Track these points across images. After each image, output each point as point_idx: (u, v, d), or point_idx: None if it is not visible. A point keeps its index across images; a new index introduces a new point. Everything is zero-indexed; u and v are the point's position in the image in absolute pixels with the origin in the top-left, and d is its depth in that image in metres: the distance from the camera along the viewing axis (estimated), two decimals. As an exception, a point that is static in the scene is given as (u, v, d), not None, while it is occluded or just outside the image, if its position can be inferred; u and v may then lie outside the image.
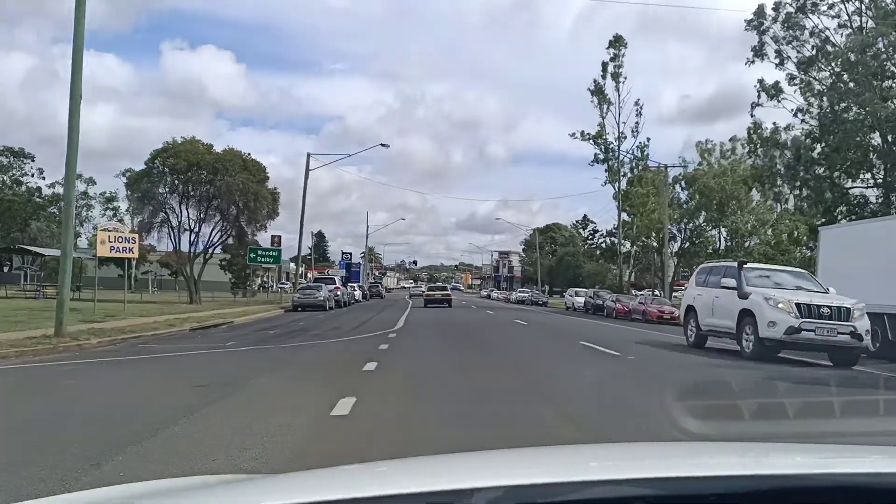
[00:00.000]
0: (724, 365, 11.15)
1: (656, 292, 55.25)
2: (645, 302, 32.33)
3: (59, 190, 57.67)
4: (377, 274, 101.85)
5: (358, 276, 71.08)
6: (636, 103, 52.76)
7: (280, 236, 36.05)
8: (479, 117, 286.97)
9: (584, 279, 66.89)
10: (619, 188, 53.49)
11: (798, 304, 11.32)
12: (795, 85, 39.60)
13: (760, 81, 40.59)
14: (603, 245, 64.72)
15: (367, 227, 72.89)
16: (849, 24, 35.54)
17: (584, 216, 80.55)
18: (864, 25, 34.08)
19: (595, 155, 53.57)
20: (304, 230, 36.00)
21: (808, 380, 9.53)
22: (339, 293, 33.33)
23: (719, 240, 54.97)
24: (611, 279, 63.97)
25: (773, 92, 40.37)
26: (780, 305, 11.39)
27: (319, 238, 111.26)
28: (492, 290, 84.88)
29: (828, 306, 11.35)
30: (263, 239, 39.94)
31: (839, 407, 6.25)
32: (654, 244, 56.67)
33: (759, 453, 1.62)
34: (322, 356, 11.84)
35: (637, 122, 52.54)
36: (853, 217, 32.94)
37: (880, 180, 35.43)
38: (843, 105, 34.97)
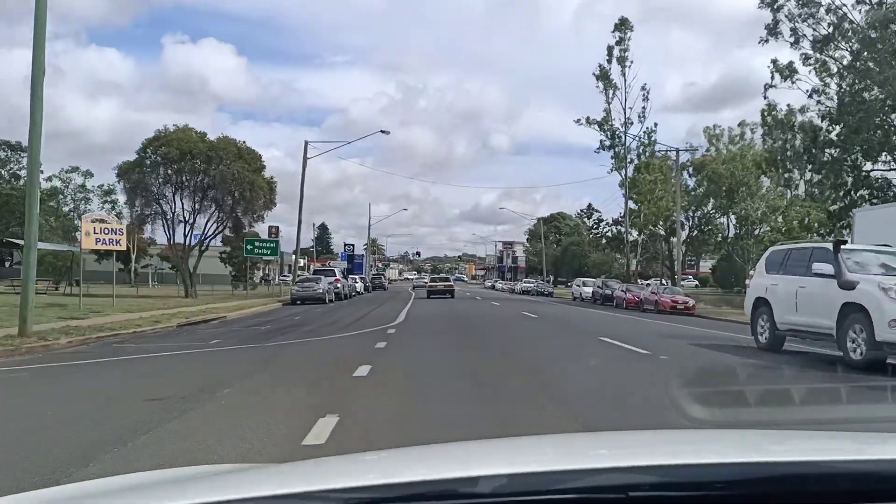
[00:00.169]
0: (822, 376, 8.89)
1: (664, 281, 53.76)
2: (657, 292, 30.82)
3: (56, 182, 56.25)
4: (380, 266, 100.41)
5: (361, 267, 69.71)
6: (643, 88, 51.23)
7: (278, 227, 34.63)
8: (482, 107, 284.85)
9: (590, 269, 65.34)
10: (625, 175, 51.94)
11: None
12: (810, 65, 37.90)
13: (774, 62, 38.90)
14: (609, 234, 63.06)
15: (370, 217, 71.41)
16: (868, 0, 33.75)
17: (589, 205, 78.93)
18: (885, 0, 32.28)
19: (601, 141, 52.03)
20: (306, 222, 34.61)
21: None
22: (339, 285, 31.88)
23: (728, 227, 53.32)
24: (617, 268, 62.39)
25: (788, 72, 38.69)
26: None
27: (323, 230, 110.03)
28: (496, 281, 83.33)
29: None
30: (262, 230, 38.51)
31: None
32: (662, 233, 55.14)
33: (764, 440, 1.60)
34: (311, 357, 10.38)
35: (644, 108, 50.97)
36: (876, 200, 31.35)
37: (903, 162, 33.69)
38: (862, 84, 33.22)
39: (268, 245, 31.96)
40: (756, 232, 51.01)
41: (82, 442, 4.83)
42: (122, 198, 32.29)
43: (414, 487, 1.05)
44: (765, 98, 39.24)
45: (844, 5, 34.22)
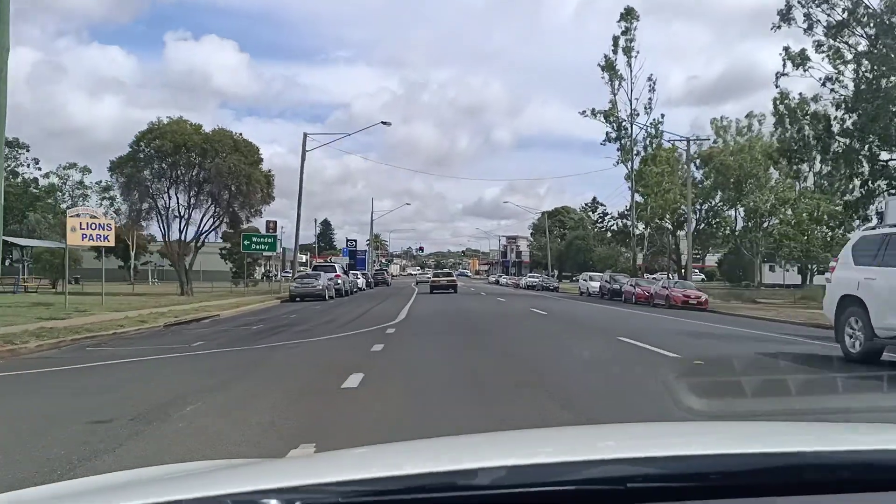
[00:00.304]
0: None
1: (671, 275, 52.51)
2: (668, 286, 29.55)
3: (54, 179, 55.24)
4: (383, 261, 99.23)
5: (363, 263, 68.53)
6: (649, 79, 49.73)
7: (275, 222, 33.40)
8: (484, 102, 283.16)
9: (595, 263, 64.08)
10: (631, 167, 50.62)
11: None
12: (823, 52, 36.53)
13: (786, 49, 37.47)
14: (614, 228, 61.72)
15: (372, 213, 70.19)
16: (886, -18, 32.35)
17: (594, 199, 77.68)
18: (905, -18, 30.88)
19: (607, 133, 50.72)
20: (307, 218, 33.40)
21: None
22: (339, 282, 30.68)
23: (736, 220, 52.00)
24: (622, 262, 61.17)
25: (800, 60, 37.26)
26: None
27: (325, 226, 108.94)
28: (500, 276, 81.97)
29: None
30: (261, 225, 37.33)
31: None
32: (669, 226, 53.87)
33: (761, 431, 1.61)
34: (297, 364, 9.19)
35: (650, 99, 49.56)
36: (894, 191, 30.01)
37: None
38: (879, 71, 31.86)
39: (266, 240, 30.77)
40: (764, 225, 49.70)
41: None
42: (118, 193, 30.81)
43: (413, 480, 1.04)
44: (776, 87, 37.80)
45: (861, -12, 32.87)
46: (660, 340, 11.01)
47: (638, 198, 51.59)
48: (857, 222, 51.74)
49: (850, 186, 51.81)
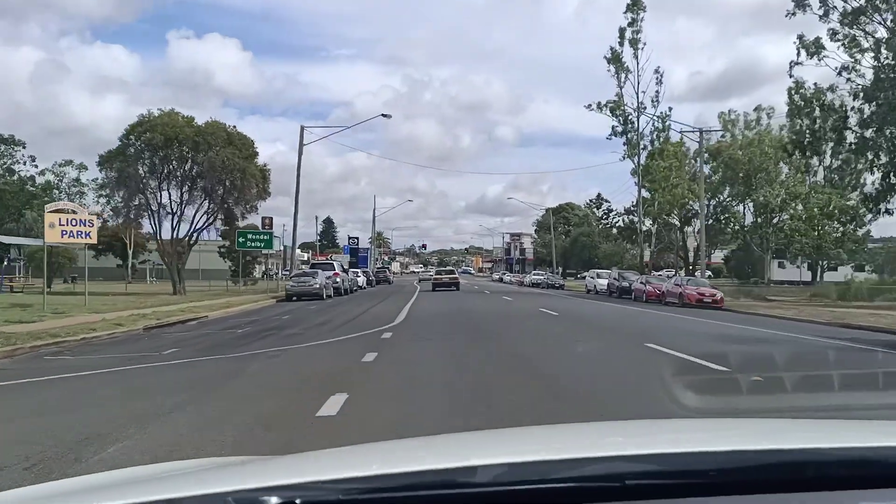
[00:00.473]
0: None
1: (678, 272, 50.97)
2: (681, 283, 27.99)
3: (50, 177, 53.89)
4: (385, 259, 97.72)
5: (365, 260, 67.09)
6: (656, 71, 48.10)
7: (271, 218, 31.84)
8: (486, 99, 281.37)
9: (600, 260, 62.52)
10: (638, 162, 49.04)
11: None
12: (838, 41, 34.92)
13: (800, 38, 35.87)
14: (620, 224, 60.11)
15: (374, 209, 68.72)
16: (907, -35, 30.72)
17: (598, 195, 76.08)
18: (928, -36, 29.25)
19: (613, 127, 49.09)
20: (307, 217, 31.88)
21: None
22: (338, 280, 29.18)
23: (745, 215, 50.40)
24: (628, 259, 59.60)
25: (814, 49, 35.65)
26: None
27: (328, 224, 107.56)
28: (504, 274, 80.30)
29: None
30: (259, 222, 35.83)
31: None
32: (676, 222, 52.30)
33: (759, 428, 1.60)
34: (273, 379, 7.70)
35: (657, 92, 47.95)
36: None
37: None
38: (901, 58, 30.23)
39: (261, 237, 29.26)
40: (775, 220, 48.09)
41: None
42: (120, 190, 29.30)
43: (412, 477, 1.04)
44: (790, 76, 36.20)
45: (879, -27, 31.26)
46: (694, 347, 9.46)
47: (644, 193, 50.05)
48: (870, 217, 50.13)
49: (862, 180, 50.18)
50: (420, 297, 29.60)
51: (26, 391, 7.29)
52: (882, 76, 31.22)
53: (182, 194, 28.38)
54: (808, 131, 36.70)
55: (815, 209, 45.36)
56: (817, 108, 34.32)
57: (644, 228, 51.60)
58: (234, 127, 29.10)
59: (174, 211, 28.56)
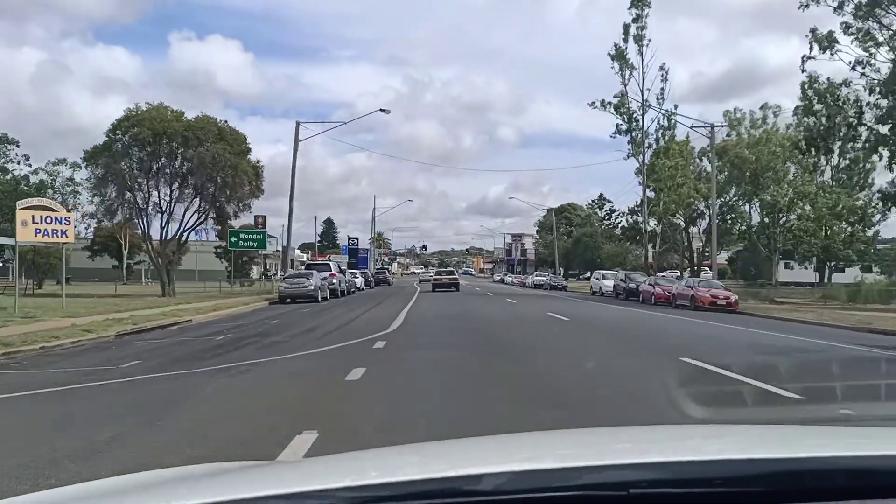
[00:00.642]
0: None
1: (682, 273, 49.54)
2: (692, 285, 26.53)
3: (43, 176, 52.46)
4: (385, 260, 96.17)
5: (365, 261, 65.64)
6: (661, 68, 46.67)
7: (265, 217, 30.30)
8: (488, 100, 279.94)
9: (603, 261, 61.02)
10: (643, 161, 47.61)
11: None
12: (852, 35, 33.47)
13: (813, 31, 34.44)
14: (624, 224, 58.60)
15: (374, 209, 67.25)
16: (927, -46, 29.31)
17: (601, 195, 74.60)
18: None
19: (617, 125, 47.72)
20: (302, 218, 30.41)
21: None
22: (334, 281, 27.71)
23: (751, 215, 48.91)
24: (632, 260, 58.14)
25: (827, 43, 34.21)
26: None
27: (328, 225, 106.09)
28: (505, 275, 78.68)
29: None
30: (254, 221, 34.34)
31: None
32: (681, 222, 50.85)
33: (764, 436, 1.56)
34: (232, 405, 6.19)
35: (662, 89, 46.52)
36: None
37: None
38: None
39: (254, 237, 27.75)
40: (782, 220, 46.64)
41: None
42: (107, 188, 27.65)
43: (417, 486, 1.02)
44: (802, 71, 34.82)
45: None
46: (737, 362, 7.98)
47: (649, 193, 48.64)
48: (878, 216, 48.42)
49: (870, 179, 48.66)
50: (419, 299, 28.11)
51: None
52: (898, 70, 29.77)
53: (172, 192, 26.93)
54: (821, 127, 35.25)
55: (825, 209, 43.90)
56: (832, 103, 32.88)
57: (649, 228, 50.16)
58: (226, 122, 27.69)
59: (164, 209, 27.11)
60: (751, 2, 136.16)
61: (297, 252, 71.67)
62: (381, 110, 32.16)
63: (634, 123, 47.48)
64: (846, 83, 33.33)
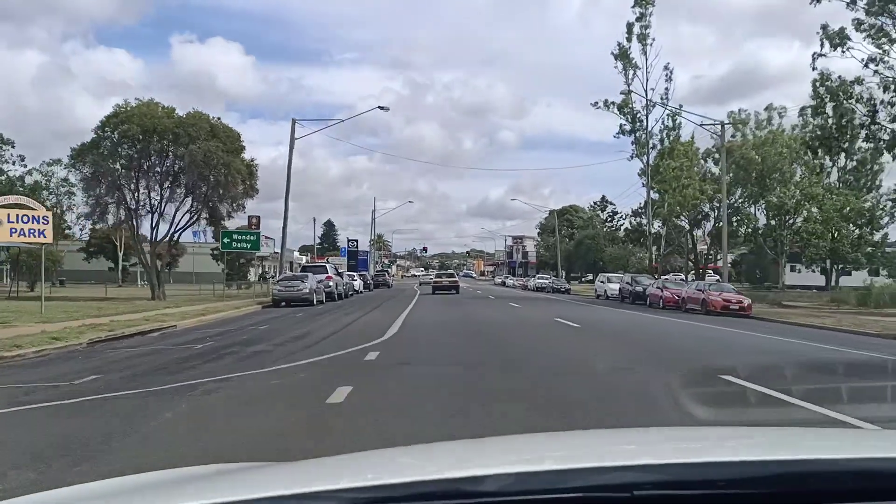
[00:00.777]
0: None
1: (691, 276, 48.36)
2: (703, 289, 25.31)
3: (37, 177, 51.37)
4: (386, 262, 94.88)
5: (365, 263, 64.41)
6: (665, 67, 45.77)
7: (258, 217, 29.07)
8: (489, 103, 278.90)
9: (606, 263, 59.80)
10: (647, 162, 46.45)
11: None
12: (864, 31, 32.30)
13: (824, 28, 33.24)
14: (627, 226, 57.39)
15: (374, 210, 66.04)
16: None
17: (603, 197, 73.36)
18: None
19: (620, 126, 46.54)
20: (298, 219, 29.23)
21: None
22: (331, 284, 26.50)
23: (757, 217, 47.69)
24: (634, 263, 56.93)
25: (838, 39, 33.03)
26: None
27: (329, 227, 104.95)
28: (506, 277, 77.30)
29: None
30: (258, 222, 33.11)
31: None
32: (685, 224, 49.67)
33: (767, 438, 1.54)
34: (181, 443, 4.95)
35: (667, 89, 45.49)
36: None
37: None
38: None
39: (247, 238, 26.55)
40: (789, 222, 45.45)
41: None
42: (95, 188, 26.29)
43: (419, 487, 1.01)
44: (813, 69, 33.56)
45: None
46: (792, 383, 6.77)
47: (653, 194, 47.46)
48: (886, 219, 47.16)
49: (878, 181, 47.38)
50: (419, 302, 26.89)
51: None
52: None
53: (162, 191, 25.71)
54: (833, 126, 34.07)
55: (833, 211, 42.72)
56: (844, 102, 31.69)
57: (653, 230, 48.96)
58: (219, 119, 26.45)
59: (153, 209, 25.91)
60: (751, 5, 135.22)
61: (297, 254, 70.49)
62: (380, 108, 31.07)
63: (638, 124, 46.36)
64: (859, 81, 32.11)
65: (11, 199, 18.77)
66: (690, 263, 51.47)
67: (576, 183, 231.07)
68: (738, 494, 1.00)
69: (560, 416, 5.48)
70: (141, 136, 24.62)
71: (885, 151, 34.01)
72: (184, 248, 59.33)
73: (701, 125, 32.48)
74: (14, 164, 53.02)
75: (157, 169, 25.59)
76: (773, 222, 45.45)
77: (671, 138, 45.56)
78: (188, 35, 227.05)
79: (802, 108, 43.86)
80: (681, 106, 44.04)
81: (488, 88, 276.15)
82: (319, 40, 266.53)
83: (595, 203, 75.40)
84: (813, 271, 51.80)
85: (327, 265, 29.92)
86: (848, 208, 41.94)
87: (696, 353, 10.15)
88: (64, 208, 51.41)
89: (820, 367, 8.69)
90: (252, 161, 27.36)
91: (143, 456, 4.61)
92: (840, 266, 48.43)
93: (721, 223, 49.88)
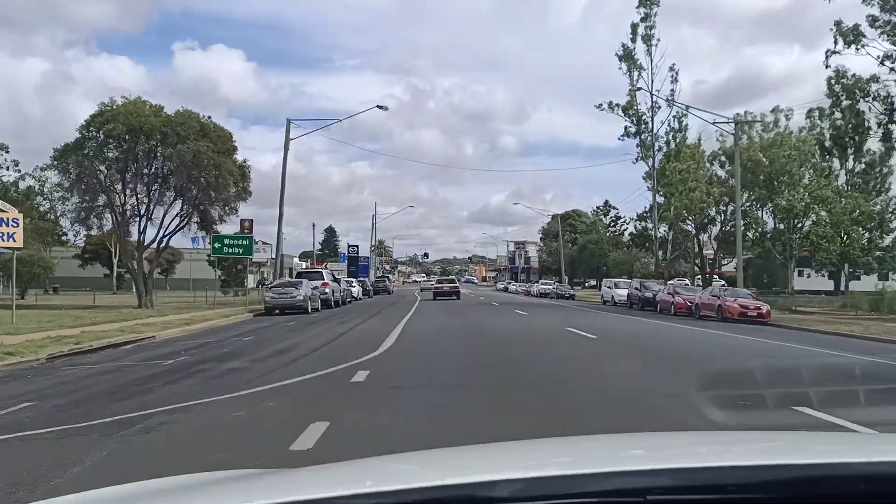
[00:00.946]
0: None
1: (697, 281, 46.89)
2: (718, 294, 23.84)
3: (30, 181, 50.10)
4: (386, 268, 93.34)
5: (366, 269, 62.96)
6: (671, 68, 44.19)
7: (251, 221, 27.60)
8: (490, 108, 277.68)
9: (610, 269, 58.31)
10: (653, 165, 45.08)
11: None
12: (879, 28, 30.94)
13: (838, 24, 31.90)
14: (632, 231, 55.92)
15: (374, 216, 64.66)
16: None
17: (606, 202, 71.94)
18: None
19: (625, 128, 45.21)
20: (292, 224, 27.81)
21: None
22: (327, 291, 25.06)
23: (766, 221, 46.23)
24: (639, 268, 55.47)
25: (853, 37, 31.69)
26: None
27: (330, 233, 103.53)
28: (509, 283, 75.63)
29: None
30: (260, 228, 31.66)
31: None
32: (691, 228, 48.23)
33: (780, 442, 1.52)
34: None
35: (672, 90, 44.02)
36: None
37: None
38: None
39: (239, 243, 25.14)
40: (799, 225, 43.98)
41: None
42: (80, 190, 24.78)
43: (429, 492, 0.99)
44: (826, 66, 32.26)
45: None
46: (867, 410, 5.33)
47: (658, 198, 46.04)
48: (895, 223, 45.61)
49: (887, 184, 45.89)
50: (419, 310, 25.41)
51: None
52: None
53: (150, 193, 24.29)
54: (850, 125, 32.66)
55: (845, 215, 41.22)
56: (861, 99, 30.28)
57: (659, 234, 47.51)
58: (209, 117, 25.01)
59: (141, 213, 24.49)
60: (752, 11, 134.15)
61: (296, 260, 69.07)
62: (379, 107, 29.72)
63: (644, 126, 45.02)
64: (874, 78, 30.73)
65: (-21, 200, 17.36)
66: (696, 268, 50.03)
67: (577, 188, 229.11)
68: (750, 499, 0.99)
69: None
70: (127, 136, 23.23)
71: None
72: (181, 254, 58.02)
73: (714, 123, 31.03)
74: (7, 168, 51.83)
75: (145, 170, 24.19)
76: (781, 226, 44.04)
77: (677, 140, 44.19)
78: (190, 42, 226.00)
79: (810, 110, 42.42)
80: (688, 107, 42.51)
81: (489, 94, 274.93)
82: (321, 47, 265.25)
83: (598, 208, 74.02)
84: (823, 276, 50.33)
85: (323, 271, 28.42)
86: (857, 211, 40.54)
87: (743, 374, 8.57)
88: (58, 214, 50.09)
89: (868, 381, 7.15)
90: (245, 162, 25.99)
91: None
92: (850, 270, 46.98)
93: (728, 227, 48.48)
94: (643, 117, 44.84)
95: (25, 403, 6.88)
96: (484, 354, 10.50)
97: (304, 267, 60.18)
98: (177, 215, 25.39)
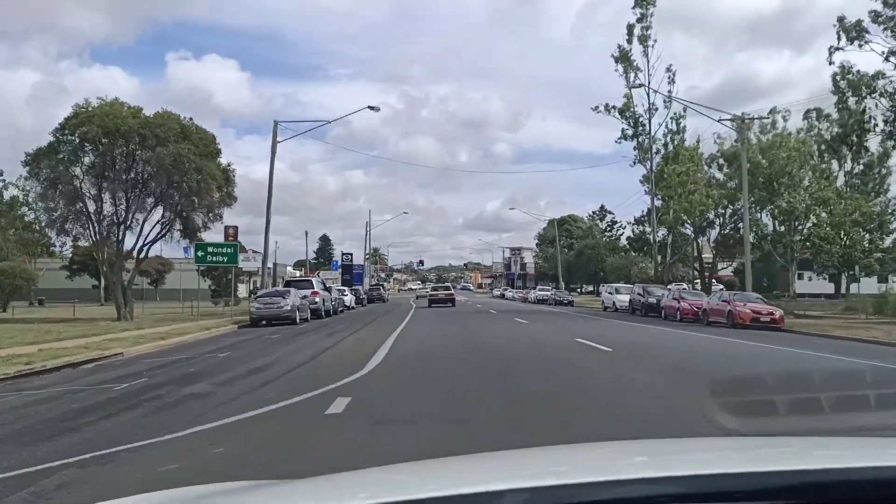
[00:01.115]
0: None
1: (696, 285, 45.64)
2: (728, 299, 22.48)
3: (14, 192, 48.48)
4: (381, 276, 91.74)
5: (360, 277, 61.43)
6: (668, 69, 43.07)
7: (236, 227, 26.04)
8: (484, 115, 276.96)
9: (607, 274, 56.97)
10: (651, 168, 43.85)
11: None
12: (882, 24, 29.82)
13: (840, 20, 30.74)
14: (630, 235, 54.61)
15: (369, 223, 63.19)
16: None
17: (602, 207, 70.73)
18: None
19: (622, 130, 43.96)
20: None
21: None
22: (317, 300, 23.57)
23: (766, 223, 45.04)
24: (637, 272, 54.19)
25: (856, 32, 30.54)
26: None
27: (325, 242, 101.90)
28: (506, 289, 74.15)
29: None
30: (252, 238, 30.12)
31: None
32: (689, 232, 47.01)
33: (788, 448, 1.50)
34: None
35: (670, 91, 42.80)
36: None
37: None
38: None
39: (224, 251, 23.64)
40: (799, 227, 42.76)
41: None
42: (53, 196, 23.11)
43: (438, 503, 0.97)
44: (830, 63, 31.09)
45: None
46: None
47: (657, 201, 44.79)
48: (895, 224, 44.46)
49: (886, 185, 44.81)
50: (414, 318, 23.93)
51: None
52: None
53: (128, 200, 22.79)
54: (854, 121, 31.47)
55: (846, 216, 39.99)
56: (867, 96, 29.09)
57: (658, 238, 46.21)
58: (191, 119, 23.54)
59: (118, 219, 22.97)
60: (744, 17, 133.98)
61: (290, 269, 67.48)
62: (370, 107, 28.39)
63: (641, 128, 43.80)
64: (880, 75, 29.55)
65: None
66: (695, 272, 48.78)
67: (572, 194, 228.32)
68: None
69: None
70: (104, 139, 21.76)
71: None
72: (171, 263, 56.32)
73: (719, 120, 29.71)
74: (-8, 179, 50.11)
75: (123, 175, 22.69)
76: (781, 228, 42.87)
77: (676, 142, 43.01)
78: (183, 52, 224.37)
79: (807, 111, 41.29)
80: (685, 109, 41.38)
81: (484, 101, 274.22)
82: (314, 56, 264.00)
83: (594, 213, 72.79)
84: (823, 278, 49.17)
85: (313, 279, 26.89)
86: (858, 213, 39.41)
87: (803, 397, 7.25)
88: (43, 224, 48.36)
89: None
90: (229, 166, 24.51)
91: None
92: (851, 273, 45.81)
93: (727, 230, 47.22)
94: (640, 119, 43.66)
95: None
96: (487, 375, 9.00)
97: (297, 276, 58.56)
98: (158, 222, 23.88)
